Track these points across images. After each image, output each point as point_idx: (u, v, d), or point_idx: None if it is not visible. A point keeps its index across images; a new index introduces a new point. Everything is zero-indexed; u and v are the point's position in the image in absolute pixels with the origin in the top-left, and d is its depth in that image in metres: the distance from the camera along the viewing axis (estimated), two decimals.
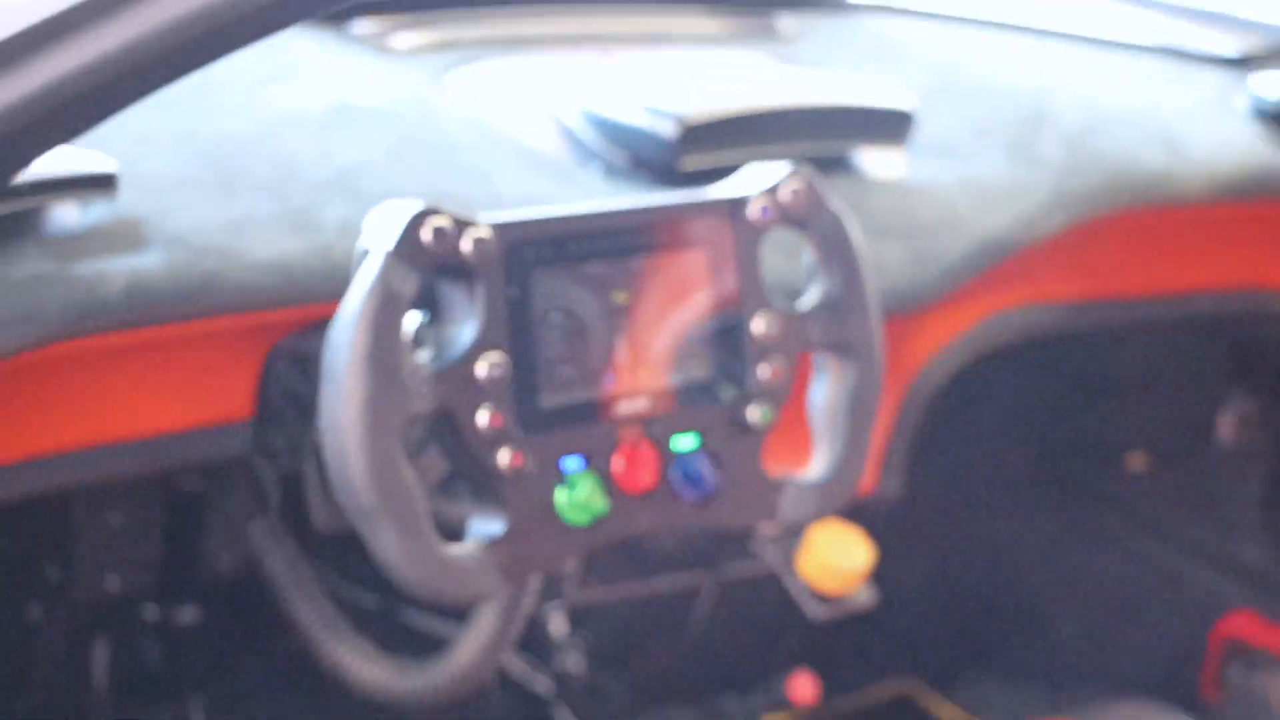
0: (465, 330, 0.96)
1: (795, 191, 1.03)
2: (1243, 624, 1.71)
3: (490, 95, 1.42)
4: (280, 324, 1.15)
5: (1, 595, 1.58)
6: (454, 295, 0.99)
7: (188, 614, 1.63)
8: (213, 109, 1.21)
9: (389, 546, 0.93)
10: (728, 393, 1.06)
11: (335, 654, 1.31)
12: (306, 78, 1.31)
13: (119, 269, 1.04)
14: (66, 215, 1.06)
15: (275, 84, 1.26)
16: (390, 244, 0.92)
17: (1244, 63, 1.67)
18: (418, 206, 0.93)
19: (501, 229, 0.96)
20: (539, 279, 1.00)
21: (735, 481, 1.04)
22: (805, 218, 1.04)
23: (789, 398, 1.06)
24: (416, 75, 1.44)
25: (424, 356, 0.97)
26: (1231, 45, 1.69)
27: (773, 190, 1.03)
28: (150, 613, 1.64)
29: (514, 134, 1.34)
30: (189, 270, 1.06)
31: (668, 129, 1.22)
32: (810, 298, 1.07)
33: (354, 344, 0.91)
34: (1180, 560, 1.87)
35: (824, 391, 1.07)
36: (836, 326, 1.06)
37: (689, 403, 1.05)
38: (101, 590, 1.52)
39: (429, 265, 0.94)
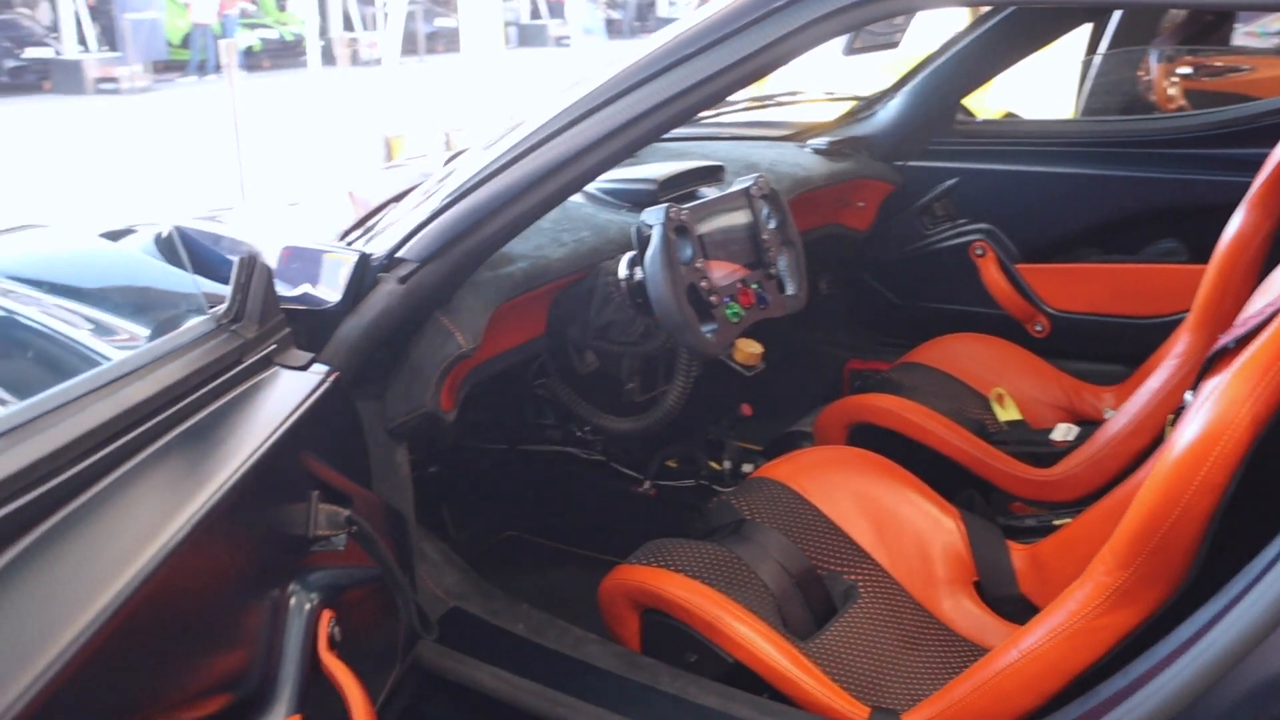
0: (689, 251, 1.95)
1: (761, 181, 2.14)
2: (853, 365, 3.11)
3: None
4: (557, 287, 2.09)
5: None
6: (683, 239, 1.95)
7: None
8: None
9: (687, 337, 1.91)
10: (764, 264, 2.12)
11: (599, 419, 2.24)
12: None
13: (516, 268, 1.95)
14: None
15: None
16: (663, 219, 1.90)
17: (794, 136, 3.02)
18: (665, 204, 1.92)
19: (690, 209, 1.98)
20: (702, 228, 2.01)
21: (775, 297, 2.10)
22: (767, 193, 2.14)
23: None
24: None
25: (680, 263, 1.92)
26: (785, 131, 3.08)
27: (756, 180, 2.14)
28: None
29: (584, 201, 2.34)
30: (534, 266, 1.99)
31: (652, 184, 2.28)
32: (773, 222, 2.15)
33: (661, 260, 1.89)
34: (822, 345, 3.24)
35: (785, 261, 2.14)
36: (783, 234, 2.15)
37: (755, 272, 2.10)
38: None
39: (673, 226, 1.91)
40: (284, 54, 21.66)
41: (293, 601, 1.26)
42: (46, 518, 0.94)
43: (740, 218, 2.13)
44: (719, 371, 2.13)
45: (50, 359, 1.81)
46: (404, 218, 1.74)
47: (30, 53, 19.21)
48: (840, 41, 2.61)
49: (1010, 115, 4.11)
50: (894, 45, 2.62)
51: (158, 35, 19.95)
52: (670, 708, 1.66)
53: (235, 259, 1.42)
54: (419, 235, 1.69)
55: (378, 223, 1.85)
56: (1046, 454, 2.43)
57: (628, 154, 1.63)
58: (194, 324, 1.34)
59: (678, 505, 2.63)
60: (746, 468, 2.67)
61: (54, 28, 19.65)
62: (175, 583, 1.02)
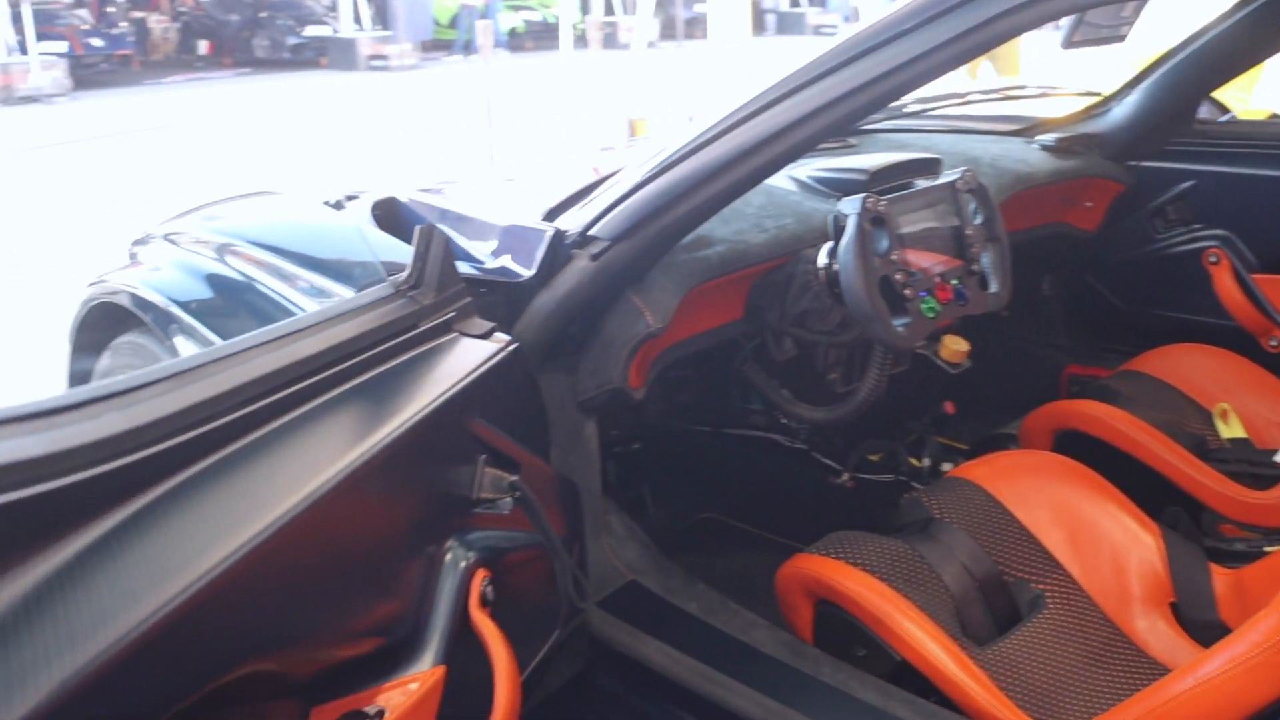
0: (885, 242, 1.94)
1: (968, 175, 2.11)
2: (1072, 370, 2.98)
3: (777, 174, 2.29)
4: (755, 272, 2.09)
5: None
6: (879, 230, 1.95)
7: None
8: None
9: (876, 329, 1.91)
10: (967, 259, 2.08)
11: (792, 406, 2.23)
12: None
13: (713, 251, 1.97)
14: None
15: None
16: (859, 208, 1.89)
17: (1022, 132, 2.93)
18: (862, 194, 1.91)
19: (889, 201, 1.97)
20: (902, 220, 2.00)
21: (975, 294, 2.06)
22: (973, 187, 2.10)
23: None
24: None
25: (874, 253, 1.93)
26: (1014, 126, 2.97)
27: (963, 174, 2.10)
28: None
29: (794, 188, 2.32)
30: (732, 250, 2.00)
31: (864, 175, 2.20)
32: (978, 218, 2.10)
33: (854, 250, 1.88)
34: (1036, 349, 3.13)
35: (989, 258, 2.10)
36: (989, 230, 2.10)
37: (955, 265, 2.07)
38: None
39: (869, 217, 1.92)
40: (546, 36, 22.24)
41: (448, 557, 1.30)
42: (206, 456, 1.01)
43: (943, 211, 2.09)
44: (926, 367, 2.11)
45: (261, 315, 1.91)
46: (601, 196, 1.77)
47: (310, 31, 20.36)
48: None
49: (1275, 116, 3.88)
50: (1120, 39, 2.49)
51: (425, 15, 20.86)
52: (828, 699, 1.65)
53: (416, 229, 1.47)
54: (611, 214, 1.72)
55: (585, 200, 1.88)
56: (1268, 476, 2.30)
57: (820, 140, 1.62)
58: (373, 288, 1.39)
59: (874, 499, 2.59)
60: (946, 466, 2.62)
61: (333, 7, 20.69)
62: (327, 525, 1.08)
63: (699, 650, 1.76)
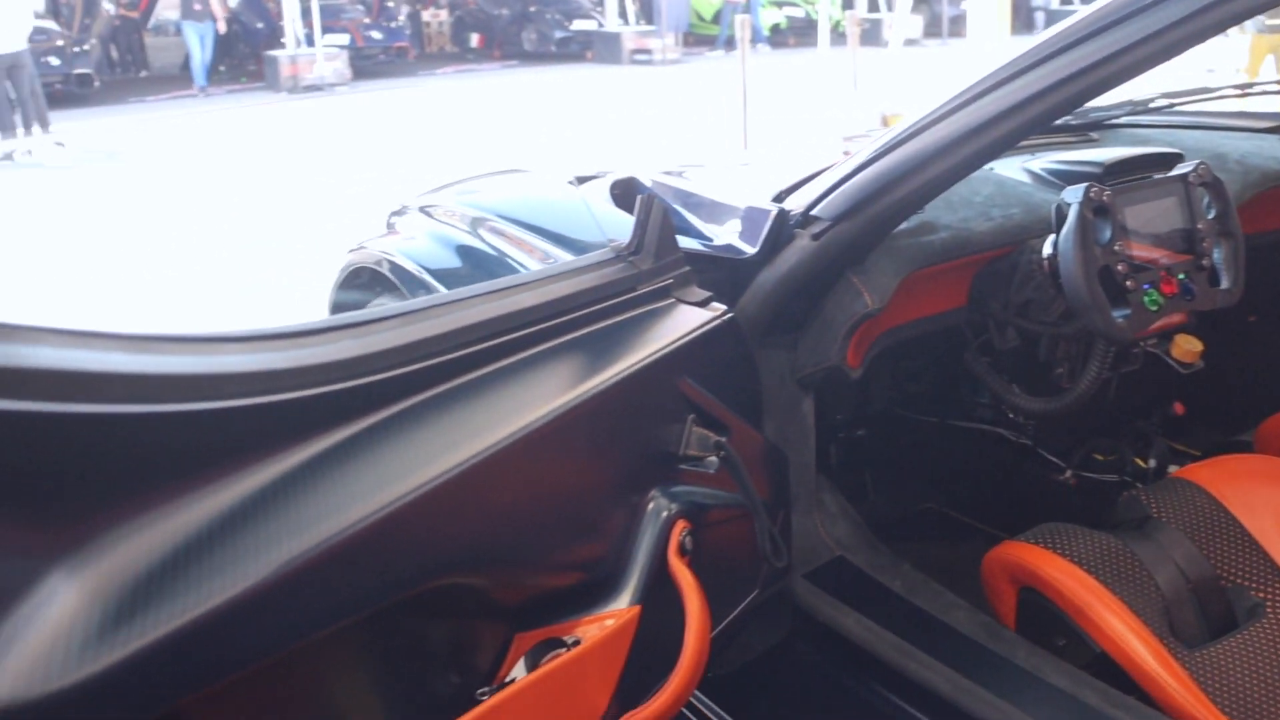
0: (1108, 232, 1.90)
1: (1202, 168, 2.02)
2: None
3: (1011, 165, 2.37)
4: (979, 260, 2.08)
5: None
6: (1102, 220, 1.90)
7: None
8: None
9: (1094, 319, 1.86)
10: (1197, 254, 1.99)
11: (1012, 396, 2.19)
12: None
13: (936, 238, 1.97)
14: None
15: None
16: (1081, 197, 1.85)
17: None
18: (1086, 185, 1.88)
19: (1114, 190, 1.91)
20: (1128, 212, 1.94)
21: (1204, 290, 1.98)
22: (1207, 180, 2.02)
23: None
24: None
25: (1096, 243, 1.86)
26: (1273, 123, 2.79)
27: (1196, 167, 2.02)
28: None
29: (1026, 179, 2.29)
30: (955, 237, 2.00)
31: (1097, 168, 2.10)
32: (1211, 212, 2.01)
33: (1074, 239, 1.84)
34: None
35: (1222, 253, 2.01)
36: (1222, 224, 2.02)
37: (1183, 259, 1.99)
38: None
39: (1091, 206, 1.88)
40: (809, 32, 22.20)
41: (651, 506, 1.37)
42: (429, 387, 1.11)
43: (1173, 204, 2.03)
44: (1158, 367, 2.07)
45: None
46: (824, 177, 1.81)
47: (576, 25, 20.98)
48: None
49: None
50: None
51: (684, 9, 21.28)
52: (1019, 681, 1.65)
53: (637, 199, 1.55)
54: (833, 194, 1.75)
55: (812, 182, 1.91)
56: None
57: (1040, 125, 1.60)
58: (595, 252, 1.48)
59: (1095, 497, 2.54)
60: (1172, 469, 2.54)
61: (599, 2, 21.24)
62: (535, 461, 1.17)
63: (898, 625, 1.78)
